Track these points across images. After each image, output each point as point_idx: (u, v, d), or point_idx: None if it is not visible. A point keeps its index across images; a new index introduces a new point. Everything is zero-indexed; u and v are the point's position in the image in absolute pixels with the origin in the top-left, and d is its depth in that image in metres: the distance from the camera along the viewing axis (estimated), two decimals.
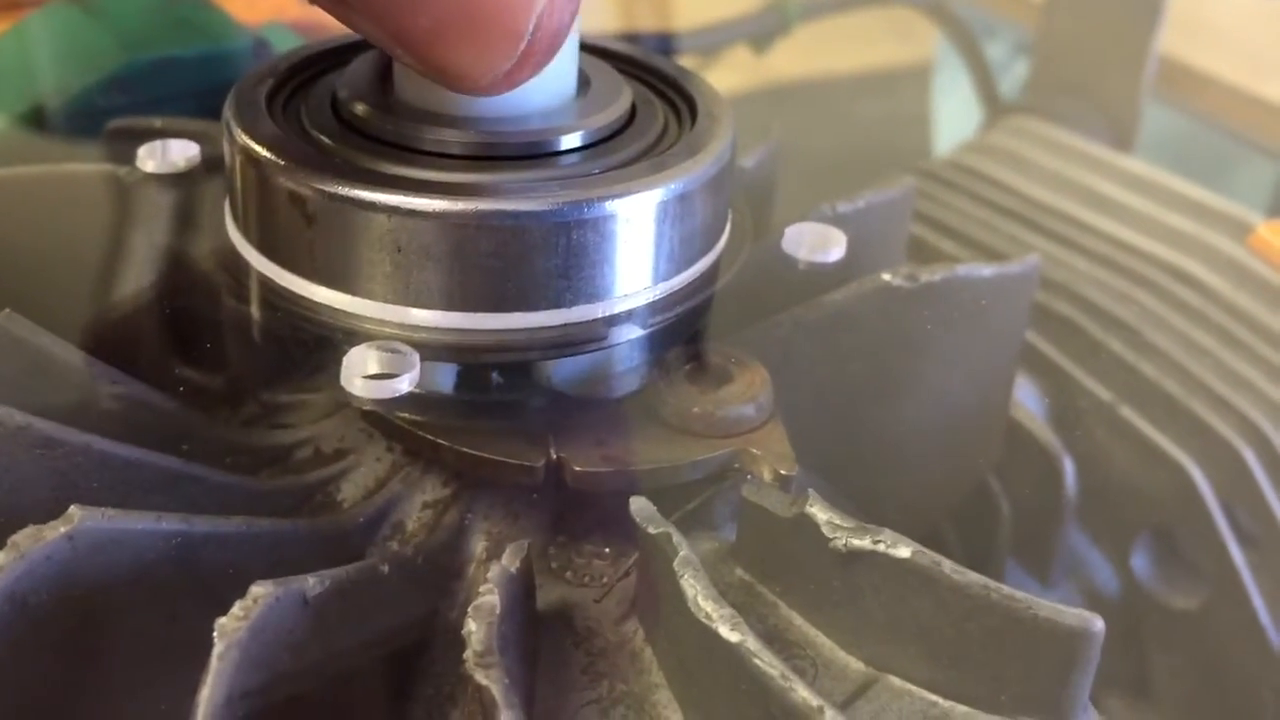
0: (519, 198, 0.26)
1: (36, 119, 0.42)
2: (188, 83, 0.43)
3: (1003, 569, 0.45)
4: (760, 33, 0.66)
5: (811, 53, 0.83)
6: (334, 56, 0.32)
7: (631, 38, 0.60)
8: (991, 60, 0.80)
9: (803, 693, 0.23)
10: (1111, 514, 0.46)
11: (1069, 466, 0.45)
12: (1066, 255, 0.52)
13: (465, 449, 0.28)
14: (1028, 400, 0.47)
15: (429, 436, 0.28)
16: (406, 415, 0.28)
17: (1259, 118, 0.69)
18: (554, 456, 0.28)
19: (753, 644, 0.23)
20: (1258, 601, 0.44)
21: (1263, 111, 0.69)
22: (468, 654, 0.23)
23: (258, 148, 0.28)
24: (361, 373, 0.26)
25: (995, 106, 0.74)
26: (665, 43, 0.62)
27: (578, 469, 0.28)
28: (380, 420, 0.30)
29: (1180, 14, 0.66)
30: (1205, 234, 0.52)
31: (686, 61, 0.67)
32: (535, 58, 0.25)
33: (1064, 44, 0.68)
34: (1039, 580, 0.46)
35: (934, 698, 0.26)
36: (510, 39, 0.24)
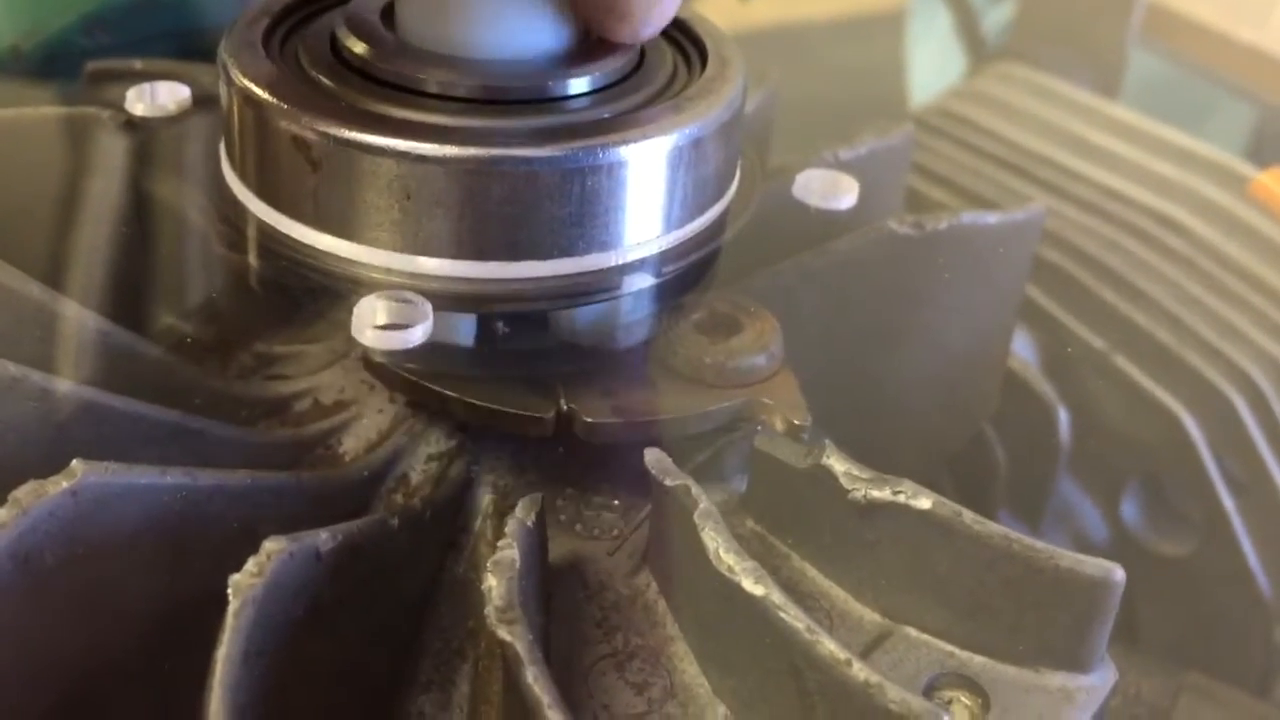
0: (532, 143, 0.25)
1: (10, 60, 0.40)
2: (167, 23, 0.42)
3: (995, 518, 0.45)
4: None
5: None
6: None
7: None
8: (971, 2, 0.79)
9: (829, 645, 0.22)
10: (1103, 462, 0.46)
11: (1063, 415, 0.45)
12: (1057, 203, 0.51)
13: (473, 400, 0.28)
14: (1022, 350, 0.46)
15: (436, 388, 0.28)
16: (413, 366, 0.27)
17: (1238, 61, 0.69)
18: (563, 407, 0.28)
19: (777, 597, 0.23)
20: (1247, 548, 0.44)
21: (1241, 55, 0.69)
22: (488, 610, 0.22)
23: (258, 90, 0.27)
24: (371, 323, 0.25)
25: (979, 52, 0.73)
26: None
27: (588, 420, 0.28)
28: (383, 371, 0.29)
29: None
30: (1193, 182, 0.52)
31: None
32: None
33: None
34: (1030, 528, 0.46)
35: (951, 648, 0.26)
36: None
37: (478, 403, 0.28)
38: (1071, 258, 0.49)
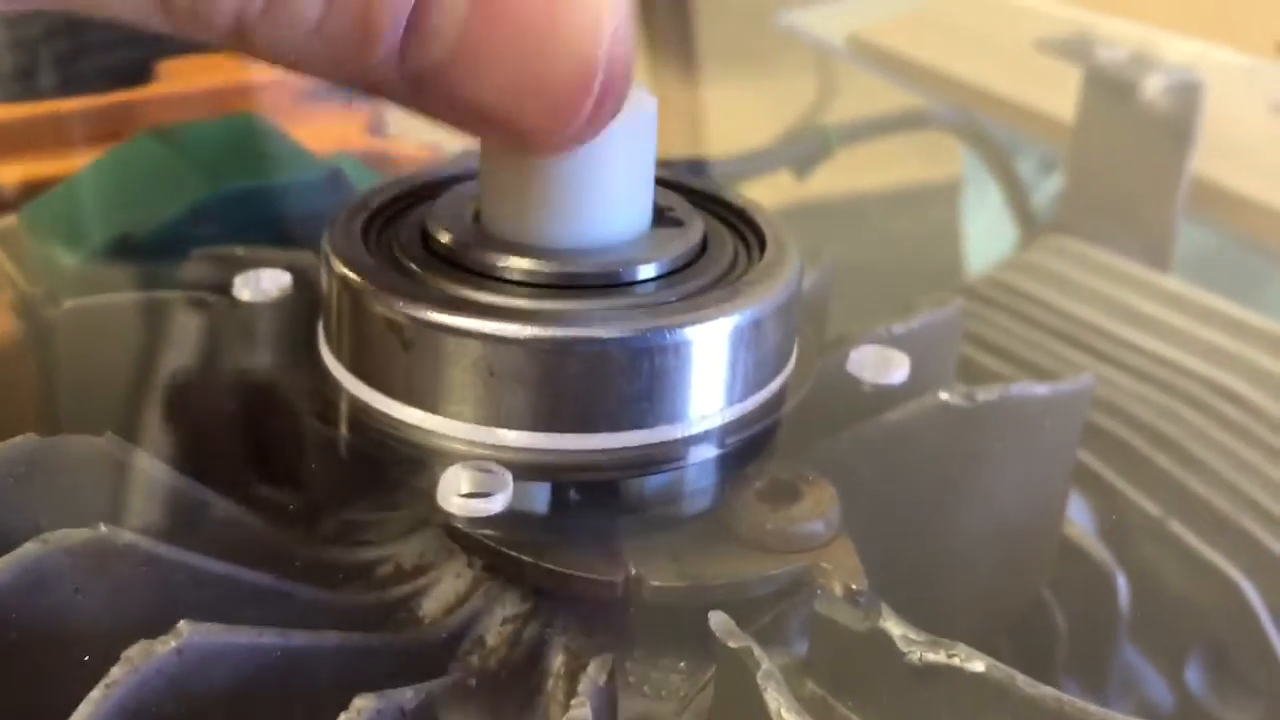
0: (604, 324, 0.28)
1: (123, 248, 0.44)
2: (266, 212, 0.45)
3: (1060, 686, 0.45)
4: (802, 158, 0.69)
5: (841, 173, 0.86)
6: (422, 191, 0.33)
7: (698, 165, 0.63)
8: (1021, 177, 0.82)
9: None
10: (1164, 629, 0.46)
11: (1122, 581, 0.45)
12: (1110, 372, 0.53)
13: (547, 565, 0.29)
14: (1078, 515, 0.47)
15: (513, 553, 0.29)
16: (491, 533, 0.29)
17: None
18: (631, 572, 0.29)
19: None
20: None
21: None
22: None
23: (355, 276, 0.29)
24: (456, 491, 0.27)
25: (1030, 224, 0.76)
26: (704, 171, 0.64)
27: (655, 584, 0.29)
28: (462, 536, 0.31)
29: (1204, 134, 0.68)
30: (1245, 350, 0.53)
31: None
32: (611, 97, 0.25)
33: (1097, 166, 0.70)
34: (1094, 697, 0.46)
35: None
36: (585, 79, 0.25)
37: (551, 567, 0.29)
38: (1126, 425, 0.50)
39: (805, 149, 0.69)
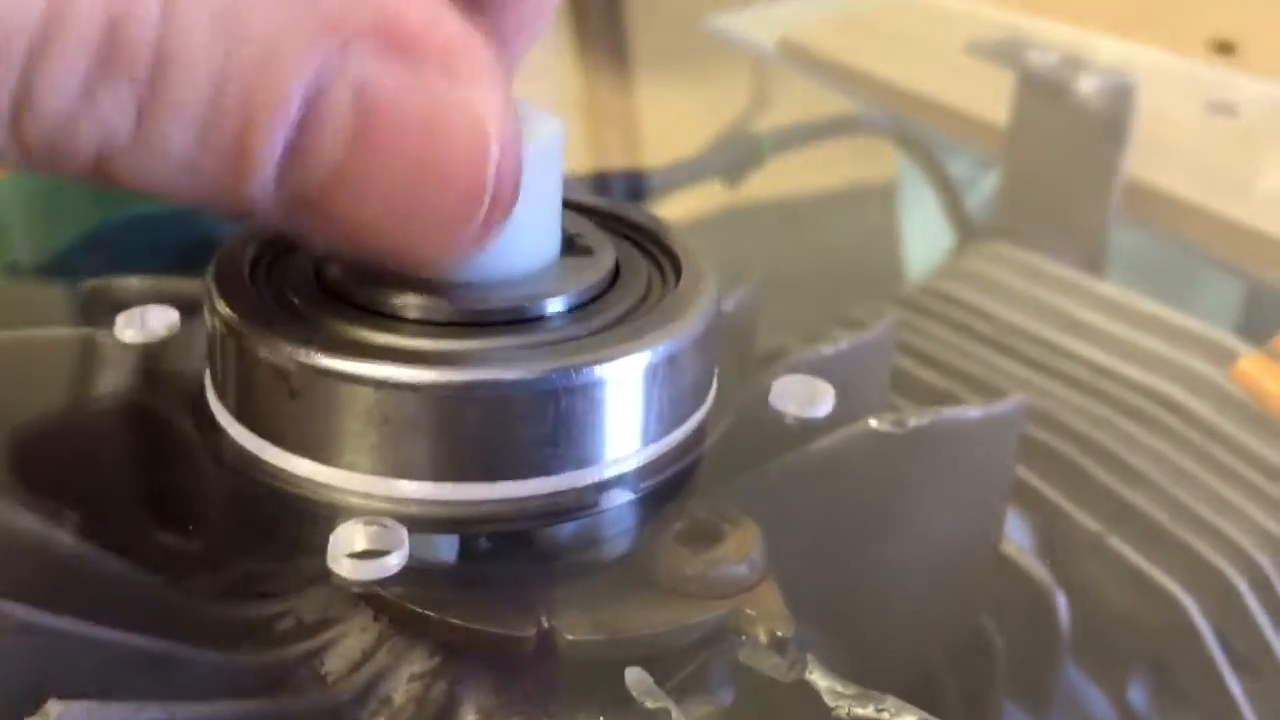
0: (507, 365, 0.26)
1: (10, 278, 0.42)
2: (162, 238, 0.43)
3: (1001, 709, 0.44)
4: (733, 166, 0.67)
5: (777, 175, 0.85)
6: None
7: (604, 179, 0.61)
8: (955, 177, 0.81)
9: None
10: (1106, 647, 0.45)
11: (1061, 601, 0.44)
12: (1047, 382, 0.52)
13: (454, 620, 0.28)
14: (1016, 533, 0.46)
15: (418, 609, 0.27)
16: (395, 589, 0.27)
17: (1220, 236, 0.71)
18: (544, 625, 0.28)
19: None
20: None
21: (1223, 230, 0.70)
22: None
23: (237, 317, 0.27)
24: (348, 550, 0.25)
25: (965, 228, 0.75)
26: (638, 181, 0.62)
27: (569, 638, 0.27)
28: (363, 593, 0.29)
29: (1138, 135, 0.67)
30: (1183, 358, 0.52)
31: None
32: (501, 210, 0.24)
33: (1031, 168, 0.69)
34: (1036, 717, 0.45)
35: None
36: (473, 202, 0.24)
37: (457, 622, 0.27)
38: (1062, 437, 0.49)
39: (737, 157, 0.68)
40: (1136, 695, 0.45)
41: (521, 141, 0.25)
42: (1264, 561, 0.44)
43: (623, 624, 0.28)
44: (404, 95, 0.23)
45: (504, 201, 0.24)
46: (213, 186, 0.23)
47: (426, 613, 0.28)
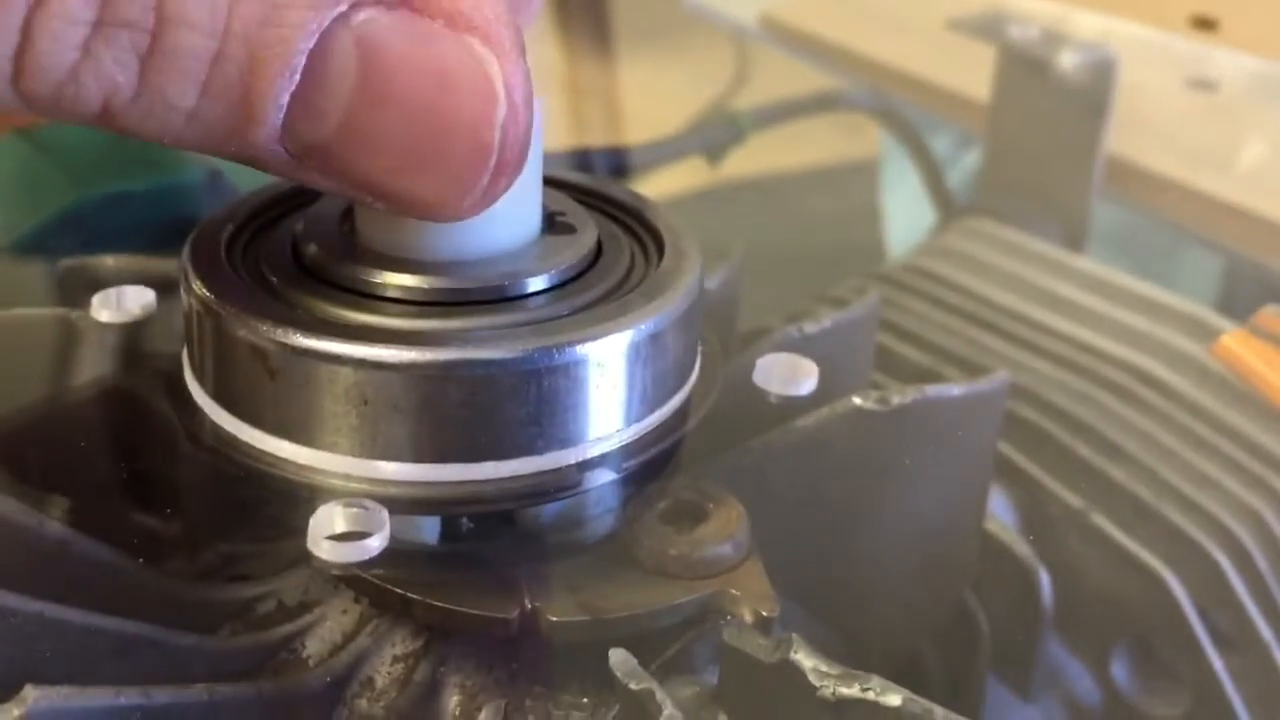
0: (488, 345, 0.26)
1: None
2: (141, 217, 0.42)
3: (984, 685, 0.44)
4: (714, 144, 0.67)
5: (760, 152, 0.84)
6: (296, 198, 0.31)
7: (585, 156, 0.61)
8: (937, 154, 0.81)
9: None
10: (1089, 623, 0.45)
11: (1044, 578, 0.44)
12: (1029, 358, 0.52)
13: (436, 603, 0.27)
14: (999, 510, 0.46)
15: (399, 591, 0.27)
16: (376, 571, 0.27)
17: (1201, 212, 0.71)
18: (528, 606, 0.27)
19: None
20: (1239, 708, 0.43)
21: (1204, 205, 0.70)
22: None
23: (215, 299, 0.27)
24: (328, 532, 0.25)
25: (947, 206, 0.75)
26: (620, 158, 0.62)
27: (553, 619, 0.27)
28: (345, 574, 0.29)
29: (1119, 111, 0.67)
30: (1164, 334, 0.52)
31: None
32: (508, 170, 0.25)
33: (1012, 147, 0.69)
34: (1020, 694, 0.45)
35: None
36: (480, 156, 0.24)
37: (439, 604, 0.27)
38: (1045, 414, 0.49)
39: (718, 135, 0.67)
40: (1119, 670, 0.46)
41: (533, 105, 0.25)
42: (1245, 537, 0.45)
43: (606, 605, 0.28)
44: (409, 47, 0.23)
45: (511, 158, 0.24)
46: (219, 136, 0.23)
47: (409, 594, 0.27)
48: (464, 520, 0.29)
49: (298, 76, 0.23)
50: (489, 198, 0.25)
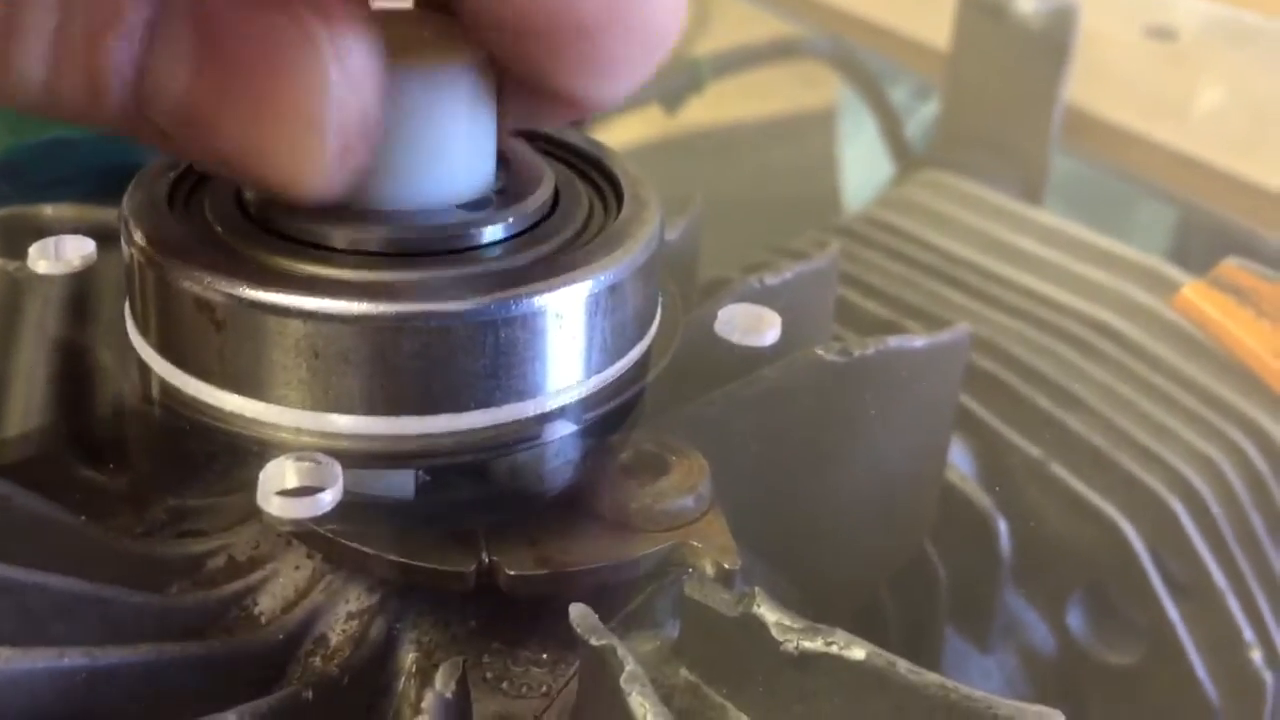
0: (443, 296, 0.25)
1: None
2: (82, 164, 0.41)
3: (942, 635, 0.44)
4: (672, 91, 0.66)
5: (718, 101, 0.83)
6: None
7: None
8: (895, 104, 0.81)
9: None
10: (1045, 572, 0.46)
11: (1003, 527, 0.45)
12: (987, 311, 0.52)
13: (391, 557, 0.27)
14: (958, 460, 0.46)
15: (353, 545, 0.27)
16: (329, 526, 0.26)
17: (1156, 161, 0.71)
18: (485, 560, 0.27)
19: None
20: (1193, 656, 0.44)
21: (1159, 155, 0.70)
22: None
23: (158, 249, 0.26)
24: (279, 487, 0.24)
25: (904, 156, 0.74)
26: None
27: (511, 573, 0.27)
28: (297, 529, 0.28)
29: (1080, 59, 0.67)
30: (1122, 286, 0.52)
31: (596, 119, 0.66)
32: (355, 144, 0.24)
33: (971, 96, 0.69)
34: (977, 645, 0.46)
35: None
36: (311, 131, 0.23)
37: (394, 559, 0.27)
38: (1004, 365, 0.49)
39: (675, 82, 0.66)
40: (1074, 618, 0.46)
41: (399, 73, 0.24)
42: (1201, 485, 0.45)
43: (566, 558, 0.27)
44: (237, 15, 0.23)
45: (354, 130, 0.23)
46: (74, 108, 0.23)
47: (363, 549, 0.27)
48: (420, 473, 0.28)
49: (139, 46, 0.23)
50: (344, 173, 0.24)
